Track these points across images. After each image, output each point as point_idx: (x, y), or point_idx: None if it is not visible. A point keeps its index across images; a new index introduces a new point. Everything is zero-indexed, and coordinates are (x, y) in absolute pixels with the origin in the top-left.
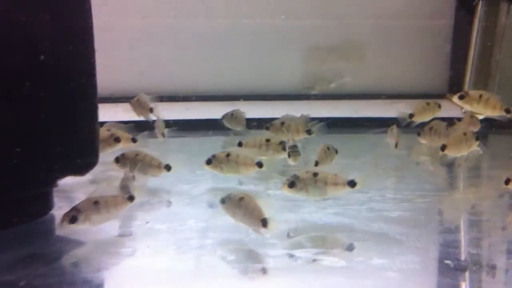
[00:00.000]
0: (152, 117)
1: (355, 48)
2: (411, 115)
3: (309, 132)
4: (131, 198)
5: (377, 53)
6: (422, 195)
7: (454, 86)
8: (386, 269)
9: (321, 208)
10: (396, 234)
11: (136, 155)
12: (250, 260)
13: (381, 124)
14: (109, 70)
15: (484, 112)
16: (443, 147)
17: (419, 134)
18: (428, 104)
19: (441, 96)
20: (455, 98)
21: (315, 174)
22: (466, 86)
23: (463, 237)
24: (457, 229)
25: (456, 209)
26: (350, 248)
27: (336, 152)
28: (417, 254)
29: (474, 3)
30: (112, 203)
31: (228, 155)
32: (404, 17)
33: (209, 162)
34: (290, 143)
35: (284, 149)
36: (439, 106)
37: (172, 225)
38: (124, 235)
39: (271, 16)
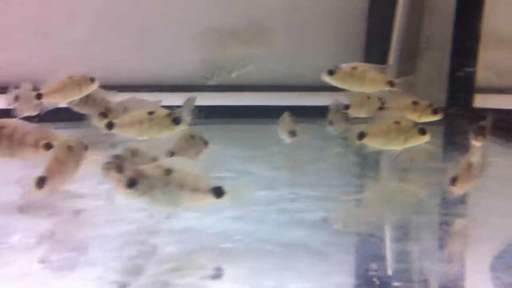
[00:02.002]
0: None
1: (260, 31)
2: (346, 106)
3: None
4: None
5: (284, 37)
6: (348, 191)
7: None
8: None
9: (213, 210)
10: (320, 244)
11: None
12: None
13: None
14: None
15: (361, 88)
16: (361, 135)
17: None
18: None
19: None
20: (324, 76)
21: (168, 172)
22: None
23: (416, 246)
24: (402, 235)
25: (395, 208)
26: (217, 274)
27: (206, 143)
28: (354, 274)
29: None
30: None
31: None
32: None
33: None
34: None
35: (176, 121)
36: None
37: None
38: None
39: None
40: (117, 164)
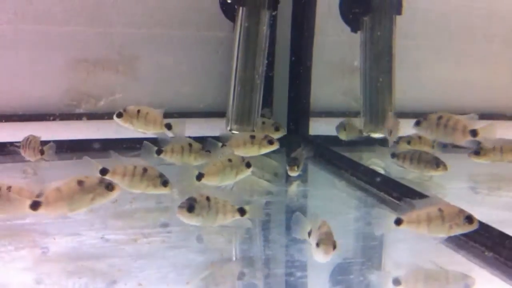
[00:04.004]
0: None
1: (127, 60)
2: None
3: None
4: None
5: (152, 66)
6: (149, 233)
7: None
8: None
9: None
10: None
11: None
12: None
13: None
14: None
15: (146, 129)
16: (199, 176)
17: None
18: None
19: (222, 114)
20: (115, 117)
21: None
22: (231, 103)
23: None
24: None
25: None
26: None
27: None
28: None
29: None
30: None
31: None
32: (180, 27)
33: None
34: None
35: None
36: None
37: None
38: None
39: (24, 21)
40: None
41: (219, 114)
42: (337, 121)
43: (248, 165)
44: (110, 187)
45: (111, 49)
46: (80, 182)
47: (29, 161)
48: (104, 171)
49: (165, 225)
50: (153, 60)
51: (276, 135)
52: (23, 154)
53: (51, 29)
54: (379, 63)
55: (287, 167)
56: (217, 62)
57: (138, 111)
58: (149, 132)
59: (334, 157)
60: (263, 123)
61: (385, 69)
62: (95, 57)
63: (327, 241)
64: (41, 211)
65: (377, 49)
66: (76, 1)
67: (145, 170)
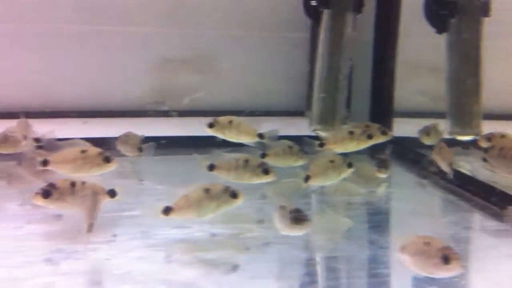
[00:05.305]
0: None
1: (209, 60)
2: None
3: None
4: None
5: (232, 66)
6: (252, 228)
7: None
8: None
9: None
10: None
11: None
12: None
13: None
14: None
15: (238, 138)
16: (307, 178)
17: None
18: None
19: (301, 113)
20: (206, 128)
21: None
22: (314, 103)
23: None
24: None
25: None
26: None
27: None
28: None
29: (320, 12)
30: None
31: None
32: (262, 28)
33: None
34: None
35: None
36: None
37: None
38: None
39: (113, 23)
40: None
41: (298, 113)
42: (416, 121)
43: (349, 165)
44: (234, 194)
45: (195, 49)
46: (206, 190)
47: (126, 156)
48: (211, 167)
49: (264, 221)
50: (235, 60)
51: (383, 139)
52: (121, 149)
53: (134, 31)
54: (466, 65)
55: (375, 169)
56: (297, 63)
57: (230, 121)
58: (244, 141)
59: (421, 159)
60: (367, 126)
61: (473, 71)
62: (180, 57)
63: None
64: (171, 216)
65: (465, 51)
66: (162, 5)
67: (246, 161)
